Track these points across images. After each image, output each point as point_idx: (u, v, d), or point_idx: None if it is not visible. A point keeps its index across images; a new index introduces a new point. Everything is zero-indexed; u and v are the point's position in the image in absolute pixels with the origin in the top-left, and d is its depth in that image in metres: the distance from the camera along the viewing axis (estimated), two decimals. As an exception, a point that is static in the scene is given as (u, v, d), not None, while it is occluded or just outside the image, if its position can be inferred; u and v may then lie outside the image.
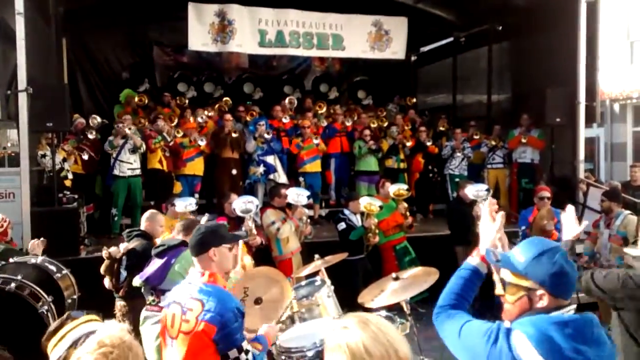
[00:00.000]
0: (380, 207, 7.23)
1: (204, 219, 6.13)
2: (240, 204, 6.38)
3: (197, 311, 2.86)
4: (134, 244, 4.98)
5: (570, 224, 3.22)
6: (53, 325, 2.58)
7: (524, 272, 1.98)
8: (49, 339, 2.50)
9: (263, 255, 6.61)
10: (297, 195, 6.89)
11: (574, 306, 1.96)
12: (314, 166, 9.83)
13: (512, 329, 1.92)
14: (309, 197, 7.36)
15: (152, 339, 3.91)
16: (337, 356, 1.62)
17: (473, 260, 2.33)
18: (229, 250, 3.10)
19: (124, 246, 5.03)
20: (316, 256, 5.41)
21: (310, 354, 3.69)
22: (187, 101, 11.21)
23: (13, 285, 5.14)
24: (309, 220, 7.00)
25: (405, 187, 7.83)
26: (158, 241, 4.85)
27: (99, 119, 9.47)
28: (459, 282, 2.28)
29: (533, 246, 2.01)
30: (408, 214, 7.69)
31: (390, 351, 1.58)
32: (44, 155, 7.97)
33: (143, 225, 5.28)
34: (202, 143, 9.32)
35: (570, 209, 3.23)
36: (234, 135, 9.36)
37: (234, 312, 2.85)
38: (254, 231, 6.38)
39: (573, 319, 1.90)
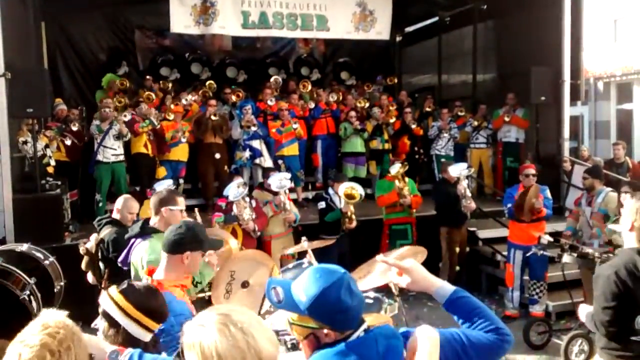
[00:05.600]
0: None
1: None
2: (234, 190, 6.34)
3: None
4: (103, 233, 4.86)
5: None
6: None
7: (307, 314, 1.82)
8: None
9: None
10: (280, 181, 6.83)
11: (364, 326, 1.85)
12: (292, 149, 9.73)
13: None
14: (290, 180, 7.35)
15: None
16: (190, 355, 1.52)
17: None
18: (200, 256, 3.04)
19: (94, 237, 4.94)
20: (303, 238, 5.42)
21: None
22: (170, 85, 11.07)
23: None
24: (289, 207, 6.93)
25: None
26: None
27: (77, 125, 9.28)
28: None
29: (315, 282, 1.83)
30: (406, 193, 7.68)
31: (248, 355, 1.47)
32: (25, 142, 7.84)
33: (115, 211, 5.12)
34: (184, 140, 9.24)
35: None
36: (213, 118, 9.24)
37: (175, 320, 2.69)
38: (247, 217, 6.34)
39: (356, 343, 1.80)
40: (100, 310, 2.41)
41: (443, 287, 2.04)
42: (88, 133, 9.08)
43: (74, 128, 8.99)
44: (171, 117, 9.31)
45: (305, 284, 1.84)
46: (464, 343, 1.92)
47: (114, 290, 2.39)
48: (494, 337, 1.95)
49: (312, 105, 10.49)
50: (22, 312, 5.00)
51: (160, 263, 2.98)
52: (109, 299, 2.36)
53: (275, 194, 6.89)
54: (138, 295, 2.37)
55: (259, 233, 6.66)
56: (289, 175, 7.20)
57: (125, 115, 8.78)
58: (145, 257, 3.69)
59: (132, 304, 2.32)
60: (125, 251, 4.02)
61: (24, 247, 5.91)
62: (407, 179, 7.86)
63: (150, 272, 2.94)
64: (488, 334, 1.95)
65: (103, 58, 11.91)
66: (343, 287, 1.81)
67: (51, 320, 1.74)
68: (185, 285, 3.03)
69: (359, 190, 7.01)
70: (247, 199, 6.51)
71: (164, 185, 6.50)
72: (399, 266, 2.08)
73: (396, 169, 7.75)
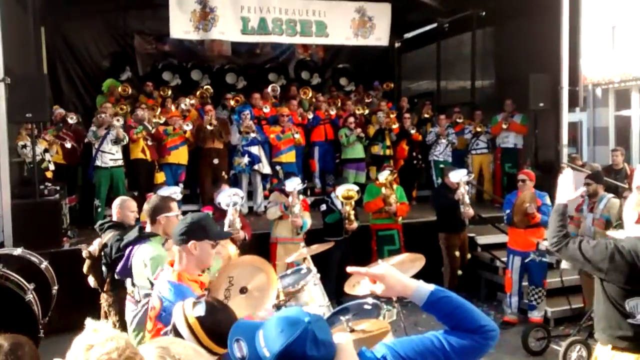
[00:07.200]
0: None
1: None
2: (226, 197, 6.33)
3: (156, 311, 2.80)
4: (106, 237, 4.85)
5: (565, 187, 3.30)
6: None
7: None
8: None
9: (251, 246, 6.60)
10: (296, 185, 6.98)
11: None
12: (289, 156, 9.73)
13: None
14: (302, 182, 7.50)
15: (130, 328, 3.95)
16: None
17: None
18: (211, 247, 3.01)
19: (98, 242, 4.93)
20: (302, 244, 5.42)
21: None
22: (169, 91, 11.09)
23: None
24: (297, 211, 6.96)
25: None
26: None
27: (74, 117, 9.32)
28: None
29: (277, 337, 1.68)
30: (392, 201, 7.69)
31: None
32: (24, 146, 7.85)
33: (114, 214, 5.11)
34: (188, 128, 9.21)
35: (567, 172, 3.26)
36: (209, 127, 9.20)
37: None
38: (238, 226, 6.34)
39: None
40: (171, 323, 2.37)
41: (419, 289, 1.93)
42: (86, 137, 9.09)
43: (71, 121, 8.99)
44: (162, 120, 9.37)
45: (268, 338, 1.70)
46: (445, 348, 1.86)
47: (189, 309, 2.31)
48: (477, 336, 1.88)
49: (310, 115, 10.48)
50: (26, 314, 5.03)
51: (175, 257, 3.00)
52: (184, 320, 2.30)
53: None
54: (212, 321, 2.29)
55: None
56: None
57: (118, 120, 8.68)
58: (148, 255, 3.69)
59: (205, 331, 2.25)
60: (122, 261, 4.02)
61: (18, 251, 5.90)
62: (395, 187, 7.87)
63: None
64: (470, 334, 1.89)
65: (103, 63, 11.94)
66: (308, 339, 1.67)
67: (121, 340, 1.63)
68: (204, 283, 3.03)
69: (354, 189, 7.34)
70: (238, 207, 6.52)
71: (169, 191, 6.47)
72: (370, 274, 1.98)
73: (384, 176, 7.79)
